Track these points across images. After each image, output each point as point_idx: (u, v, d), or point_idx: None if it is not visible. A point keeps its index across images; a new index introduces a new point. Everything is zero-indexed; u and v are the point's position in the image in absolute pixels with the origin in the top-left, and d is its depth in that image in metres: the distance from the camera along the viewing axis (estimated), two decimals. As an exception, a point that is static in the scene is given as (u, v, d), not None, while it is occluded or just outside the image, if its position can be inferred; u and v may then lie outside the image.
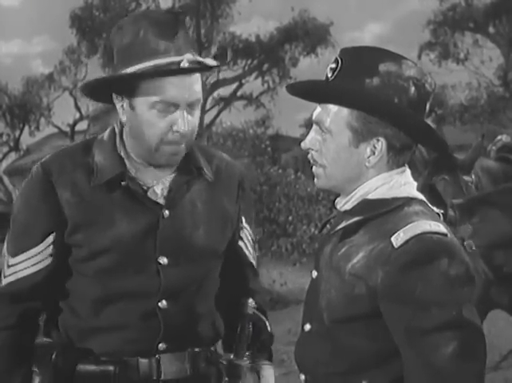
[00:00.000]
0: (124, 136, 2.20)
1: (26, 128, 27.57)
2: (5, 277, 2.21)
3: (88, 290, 2.17)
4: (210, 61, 2.13)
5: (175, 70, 2.07)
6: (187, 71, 2.09)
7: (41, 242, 2.17)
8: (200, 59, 2.10)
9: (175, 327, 2.18)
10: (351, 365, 1.87)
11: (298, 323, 2.06)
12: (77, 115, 25.58)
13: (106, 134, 2.23)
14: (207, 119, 26.20)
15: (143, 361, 2.17)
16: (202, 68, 2.15)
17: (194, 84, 2.10)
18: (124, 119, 2.14)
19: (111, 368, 2.16)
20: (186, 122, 2.10)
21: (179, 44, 2.07)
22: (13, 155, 27.36)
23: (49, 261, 2.17)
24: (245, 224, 2.37)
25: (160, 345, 2.18)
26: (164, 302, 2.17)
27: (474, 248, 3.23)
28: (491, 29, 26.30)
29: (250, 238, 2.40)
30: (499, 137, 4.77)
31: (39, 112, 27.24)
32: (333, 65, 1.90)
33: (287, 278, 10.38)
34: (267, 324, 2.25)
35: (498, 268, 3.27)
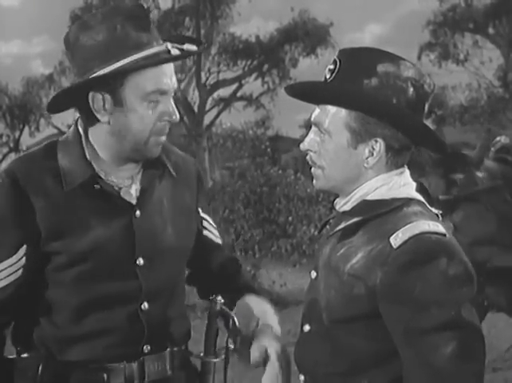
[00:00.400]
0: (93, 138, 2.14)
1: (26, 129, 27.60)
2: None
3: (68, 298, 2.11)
4: (192, 47, 2.15)
5: (173, 57, 2.08)
6: (182, 57, 2.12)
7: (13, 254, 2.08)
8: (180, 46, 2.10)
9: (157, 328, 2.17)
10: (350, 366, 1.87)
11: (298, 324, 2.06)
12: (77, 115, 25.56)
13: (70, 136, 2.17)
14: (207, 120, 26.23)
15: (129, 365, 2.14)
16: (191, 53, 2.16)
17: (173, 72, 2.11)
18: (104, 119, 2.07)
19: (100, 374, 2.12)
20: (175, 110, 2.11)
21: (155, 35, 2.08)
22: (13, 156, 27.36)
23: (19, 273, 2.09)
24: (203, 214, 2.37)
25: (145, 347, 2.16)
26: (146, 304, 2.14)
27: None
28: (491, 30, 26.32)
29: (211, 224, 2.41)
30: (498, 138, 4.79)
31: (39, 113, 27.27)
32: (332, 66, 1.91)
33: (287, 278, 10.36)
34: (235, 319, 2.24)
35: (481, 264, 3.29)
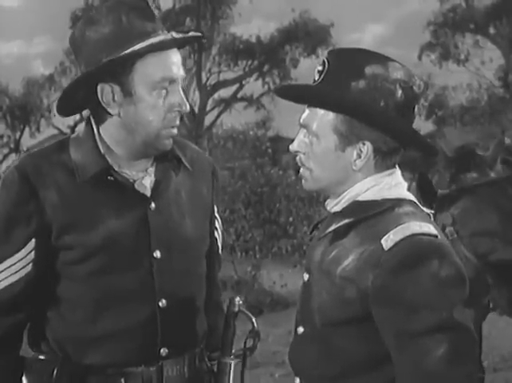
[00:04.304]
0: (104, 133, 2.13)
1: (27, 130, 27.62)
2: None
3: (83, 294, 2.08)
4: (196, 33, 2.18)
5: (176, 40, 2.09)
6: (185, 41, 2.15)
7: (22, 248, 2.07)
8: (184, 34, 2.12)
9: (176, 328, 2.13)
10: (343, 369, 1.86)
11: (297, 325, 2.05)
12: (78, 116, 25.58)
13: (82, 132, 2.16)
14: (208, 120, 26.26)
15: (147, 370, 2.11)
16: (194, 38, 2.20)
17: (181, 63, 2.12)
18: (114, 111, 2.07)
19: (117, 379, 2.09)
20: (185, 100, 2.11)
21: (160, 25, 2.10)
22: (13, 157, 27.39)
23: (29, 268, 2.08)
24: (216, 214, 2.36)
25: (162, 350, 2.12)
26: (164, 301, 2.11)
27: (455, 235, 3.31)
28: (492, 30, 26.33)
29: (220, 229, 2.39)
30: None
31: (39, 114, 27.29)
32: (320, 68, 1.90)
33: (287, 279, 10.36)
34: (254, 320, 2.23)
35: (482, 256, 3.33)
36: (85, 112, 2.25)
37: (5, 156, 27.44)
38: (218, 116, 26.86)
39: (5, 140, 27.55)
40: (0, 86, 27.18)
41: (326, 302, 1.87)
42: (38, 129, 27.54)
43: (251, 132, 20.10)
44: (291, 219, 12.59)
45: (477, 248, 3.32)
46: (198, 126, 24.90)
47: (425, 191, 3.28)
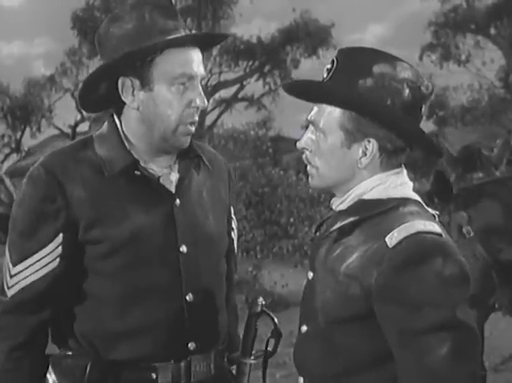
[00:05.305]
0: (126, 128, 2.16)
1: (28, 130, 27.63)
2: (8, 288, 2.10)
3: (110, 289, 2.10)
4: (216, 33, 2.27)
5: (195, 36, 2.14)
6: (204, 38, 2.19)
7: (48, 244, 2.08)
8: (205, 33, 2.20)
9: (202, 323, 2.15)
10: (346, 366, 1.86)
11: (299, 325, 2.05)
12: (78, 116, 25.62)
13: (105, 129, 2.19)
14: (208, 120, 26.24)
15: (177, 365, 2.13)
16: (215, 35, 2.28)
17: (201, 61, 2.15)
18: (134, 105, 2.11)
19: (148, 374, 2.11)
20: (203, 96, 2.13)
21: (182, 23, 2.14)
22: (14, 157, 27.41)
23: (55, 264, 2.08)
24: (233, 215, 2.39)
25: (190, 344, 2.14)
26: (191, 295, 2.13)
27: (472, 234, 3.30)
28: (493, 31, 26.30)
29: (236, 230, 2.41)
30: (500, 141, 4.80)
31: (40, 114, 27.29)
32: (329, 66, 1.92)
33: (288, 279, 10.35)
34: (276, 321, 2.23)
35: (493, 254, 3.33)
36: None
37: (7, 156, 27.46)
38: (219, 117, 26.86)
39: (6, 140, 27.57)
40: (1, 86, 27.19)
41: (330, 299, 1.87)
42: (39, 129, 27.55)
43: (252, 132, 20.11)
44: (292, 219, 12.61)
45: (487, 247, 3.32)
46: (199, 126, 24.89)
47: (441, 190, 3.27)
